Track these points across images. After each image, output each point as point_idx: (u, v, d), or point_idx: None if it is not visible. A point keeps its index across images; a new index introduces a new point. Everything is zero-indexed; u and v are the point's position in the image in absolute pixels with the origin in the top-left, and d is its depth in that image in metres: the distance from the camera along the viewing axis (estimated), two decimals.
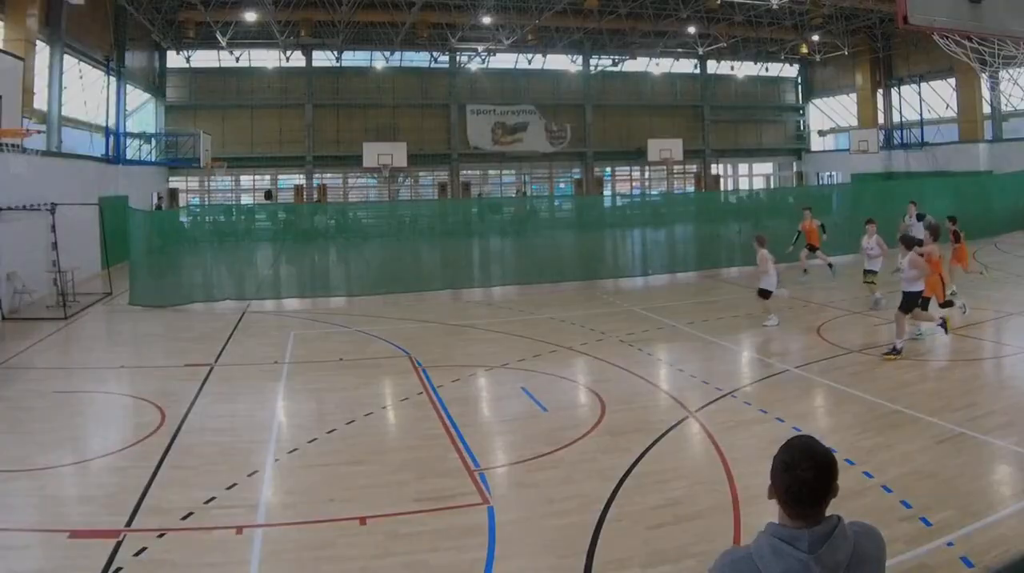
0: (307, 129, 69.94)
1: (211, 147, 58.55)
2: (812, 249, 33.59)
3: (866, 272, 27.48)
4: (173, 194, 66.13)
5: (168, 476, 13.00)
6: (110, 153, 47.57)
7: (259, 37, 64.06)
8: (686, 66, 79.26)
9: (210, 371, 20.03)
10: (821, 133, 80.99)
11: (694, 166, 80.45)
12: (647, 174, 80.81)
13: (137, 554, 10.19)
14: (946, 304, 21.99)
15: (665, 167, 76.52)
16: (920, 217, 31.67)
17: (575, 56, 74.90)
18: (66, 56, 41.82)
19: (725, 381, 18.15)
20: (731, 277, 34.75)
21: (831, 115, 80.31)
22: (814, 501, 4.34)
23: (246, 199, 71.02)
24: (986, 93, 61.52)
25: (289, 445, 14.53)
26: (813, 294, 30.27)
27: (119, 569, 9.83)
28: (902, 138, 69.95)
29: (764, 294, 24.60)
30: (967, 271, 28.30)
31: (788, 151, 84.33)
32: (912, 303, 20.23)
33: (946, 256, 25.25)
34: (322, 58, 70.25)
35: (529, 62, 74.46)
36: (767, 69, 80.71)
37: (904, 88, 71.44)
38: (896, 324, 20.21)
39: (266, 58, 69.34)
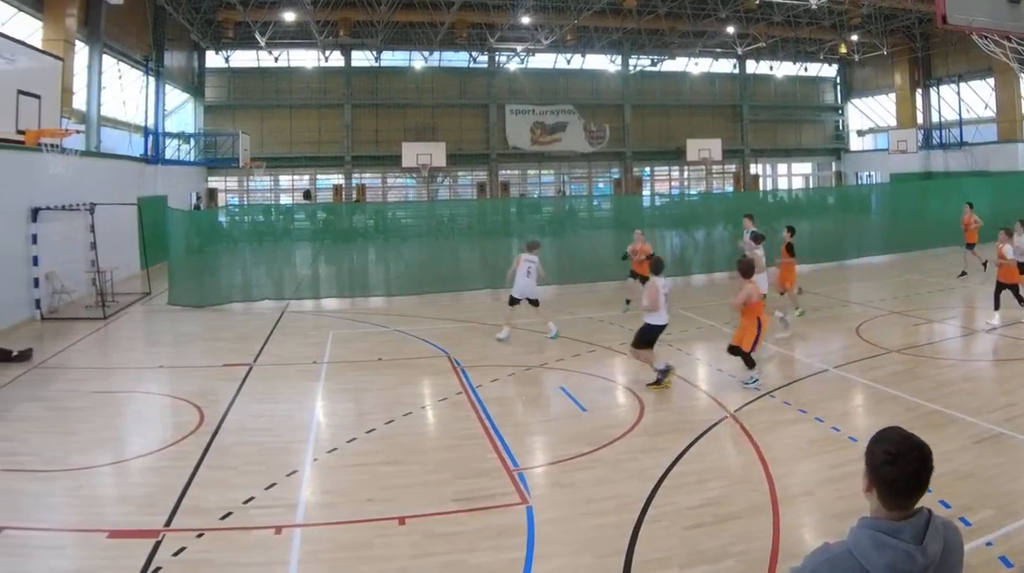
0: (346, 129, 70.14)
1: (250, 147, 58.60)
2: (642, 278, 26.71)
3: None
4: (212, 194, 66.54)
5: (207, 476, 13.08)
6: (149, 153, 47.72)
7: (298, 37, 64.28)
8: (725, 66, 79.10)
9: (249, 371, 20.05)
10: (860, 133, 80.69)
11: (733, 166, 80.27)
12: (686, 174, 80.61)
13: (176, 554, 10.25)
14: (747, 360, 17.96)
15: (704, 167, 76.43)
16: (757, 237, 25.83)
17: (614, 56, 74.78)
18: (105, 56, 42.03)
19: (764, 381, 18.11)
20: (768, 277, 34.62)
21: (870, 115, 79.91)
22: (916, 492, 4.41)
23: (285, 199, 71.42)
24: None
25: (328, 445, 14.58)
26: (850, 293, 30.12)
27: (158, 569, 9.88)
28: (941, 138, 69.52)
29: (514, 301, 23.74)
30: (786, 293, 26.31)
31: (827, 151, 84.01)
32: (650, 339, 18.12)
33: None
34: (361, 58, 70.44)
35: (568, 62, 74.41)
36: (806, 69, 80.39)
37: (943, 88, 70.97)
38: (639, 359, 18.53)
39: (305, 58, 69.55)
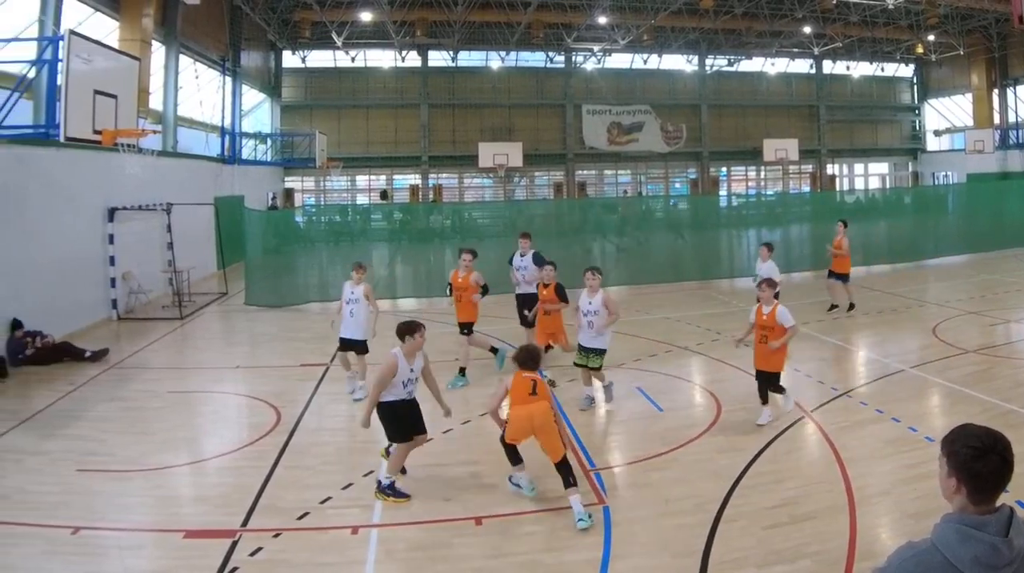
0: (422, 129, 70.62)
1: (326, 147, 59.11)
2: (464, 328, 20.22)
3: (585, 351, 16.88)
4: (288, 194, 67.26)
5: (283, 476, 13.24)
6: (225, 153, 48.33)
7: (374, 37, 64.65)
8: (801, 66, 78.63)
9: (325, 371, 20.09)
10: (937, 133, 79.94)
11: (809, 166, 79.86)
12: (763, 174, 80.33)
13: (253, 554, 10.39)
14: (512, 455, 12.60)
15: (780, 167, 76.28)
16: (539, 260, 20.59)
17: (691, 56, 74.58)
18: (182, 56, 42.49)
19: (841, 381, 18.27)
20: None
21: (947, 115, 79.15)
22: (1004, 483, 4.42)
23: (361, 199, 71.97)
24: None
25: None
26: (927, 293, 29.87)
27: (235, 569, 10.02)
28: (1018, 138, 69.05)
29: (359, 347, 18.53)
30: (565, 348, 19.36)
31: (904, 151, 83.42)
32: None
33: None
34: (437, 58, 70.86)
35: (645, 62, 74.35)
36: (882, 69, 79.70)
37: (1020, 88, 70.47)
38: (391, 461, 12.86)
39: (381, 58, 70.09)
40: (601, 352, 16.62)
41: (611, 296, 17.10)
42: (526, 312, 20.09)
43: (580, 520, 11.17)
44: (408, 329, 13.03)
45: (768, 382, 15.66)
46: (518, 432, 12.17)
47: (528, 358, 12.62)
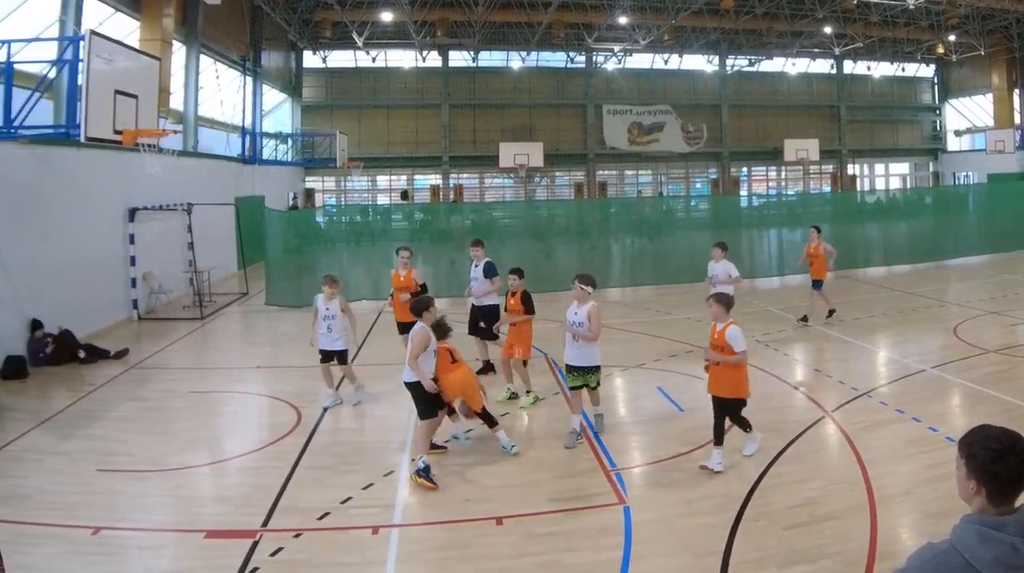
0: (443, 129, 70.59)
1: (347, 147, 59.09)
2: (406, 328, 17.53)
3: (576, 371, 15.01)
4: (309, 194, 67.33)
5: (304, 476, 13.29)
6: (246, 153, 48.33)
7: (395, 37, 64.75)
8: (822, 66, 78.44)
9: None
10: (957, 133, 79.59)
11: (830, 166, 79.60)
12: (783, 174, 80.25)
13: (273, 554, 10.44)
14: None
15: (801, 167, 76.08)
16: (490, 270, 19.64)
17: (711, 56, 74.56)
18: (202, 56, 42.49)
19: (861, 381, 18.20)
20: (867, 278, 34.33)
21: (967, 115, 78.84)
22: (1021, 487, 4.41)
23: (382, 199, 72.00)
24: None
25: None
26: (948, 293, 29.81)
27: (255, 569, 10.05)
28: None
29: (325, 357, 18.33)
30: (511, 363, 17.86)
31: (924, 151, 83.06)
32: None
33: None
34: (458, 58, 70.85)
35: (665, 62, 74.02)
36: (903, 69, 79.52)
37: None
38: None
39: (402, 58, 70.01)
40: (595, 369, 14.88)
41: (598, 311, 15.05)
42: (481, 324, 19.15)
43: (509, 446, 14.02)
44: (423, 305, 13.95)
45: (726, 412, 13.23)
46: (464, 393, 13.93)
47: (443, 331, 14.29)
